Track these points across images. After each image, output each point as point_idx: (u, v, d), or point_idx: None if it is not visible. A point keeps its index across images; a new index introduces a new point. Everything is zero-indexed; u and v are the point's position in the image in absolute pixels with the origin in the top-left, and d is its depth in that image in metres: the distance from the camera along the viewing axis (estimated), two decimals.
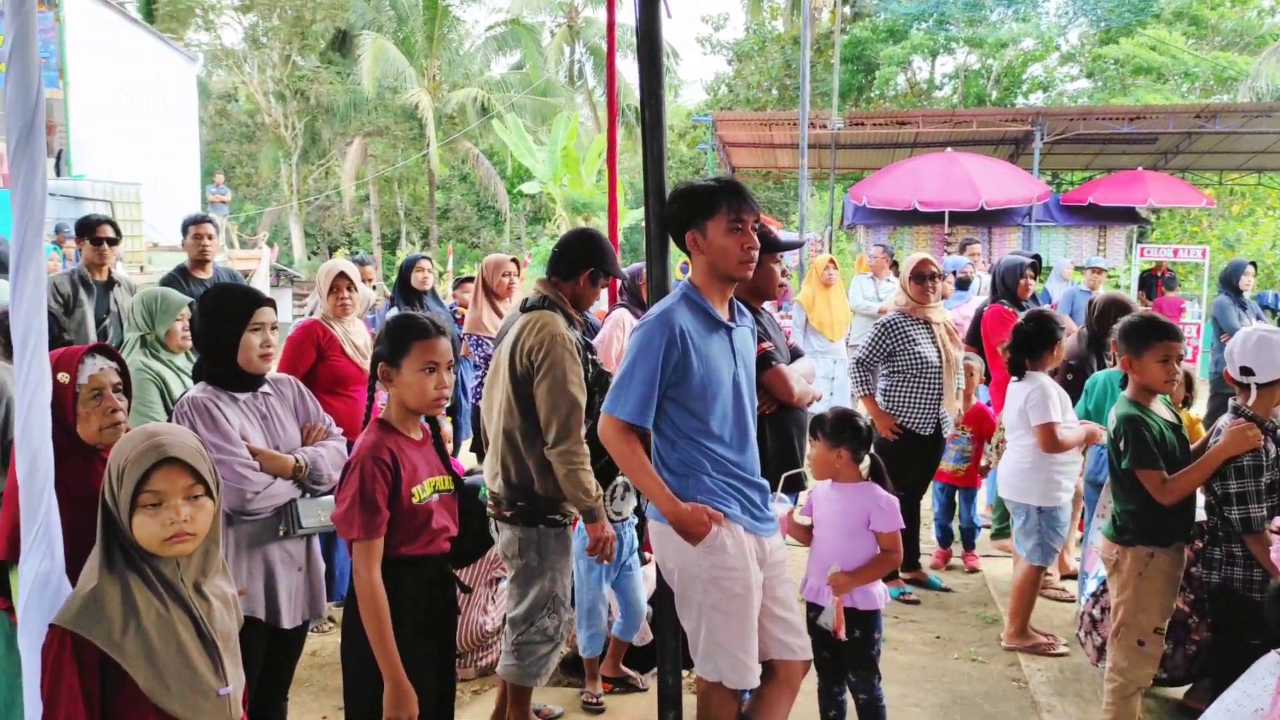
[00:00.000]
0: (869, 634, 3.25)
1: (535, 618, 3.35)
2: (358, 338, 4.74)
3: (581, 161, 24.79)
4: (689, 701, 3.21)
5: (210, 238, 5.61)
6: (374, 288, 10.34)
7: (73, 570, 2.02)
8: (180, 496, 1.86)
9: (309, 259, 30.77)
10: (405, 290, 6.43)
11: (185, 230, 5.61)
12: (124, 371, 2.51)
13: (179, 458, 1.87)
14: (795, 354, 4.01)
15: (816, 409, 3.76)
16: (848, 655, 3.27)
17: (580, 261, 3.43)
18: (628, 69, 24.13)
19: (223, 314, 2.89)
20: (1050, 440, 4.24)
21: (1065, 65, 29.64)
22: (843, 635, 3.18)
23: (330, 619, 4.64)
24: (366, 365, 4.70)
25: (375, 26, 27.41)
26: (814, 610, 3.29)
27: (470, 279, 6.66)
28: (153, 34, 18.94)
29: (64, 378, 2.33)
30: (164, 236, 15.78)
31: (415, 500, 2.51)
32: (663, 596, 2.99)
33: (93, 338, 5.22)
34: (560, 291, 3.41)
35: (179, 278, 5.50)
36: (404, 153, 30.60)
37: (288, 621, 2.88)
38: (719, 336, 2.80)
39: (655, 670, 3.31)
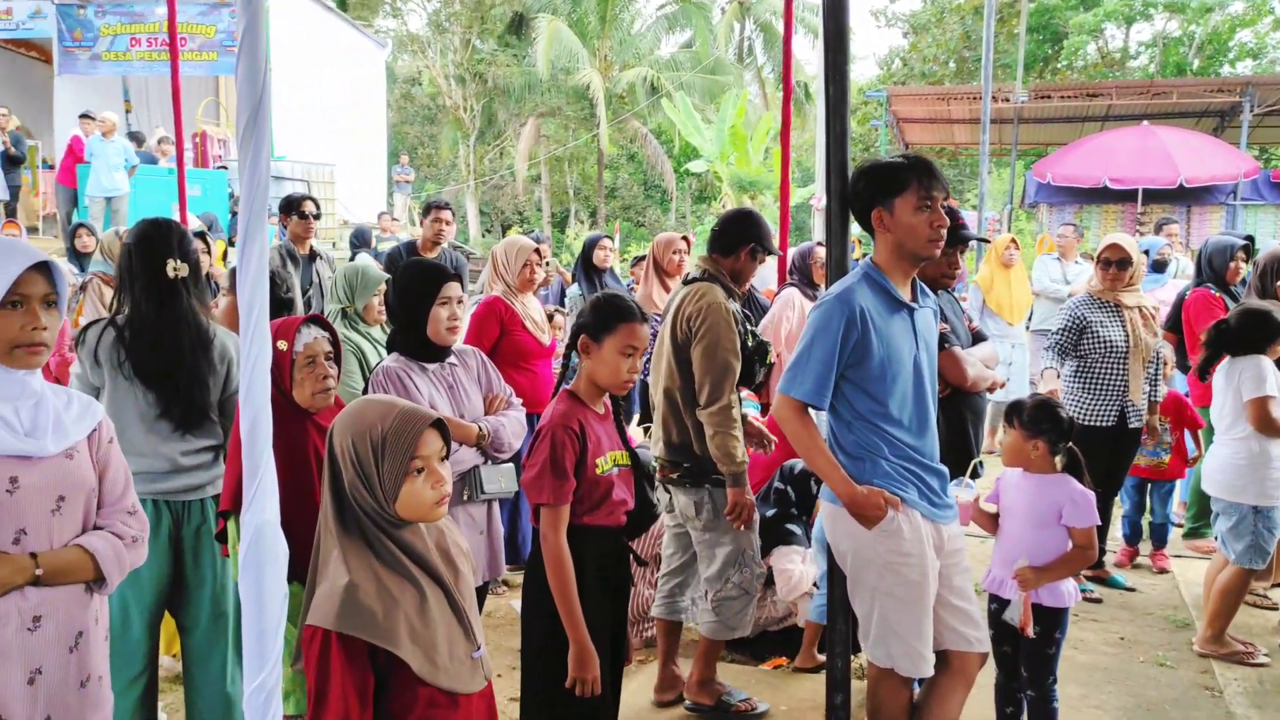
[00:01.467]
0: (1049, 632, 3.11)
1: (728, 574, 3.50)
2: (536, 313, 4.89)
3: (749, 140, 24.58)
4: (857, 686, 3.17)
5: (449, 223, 5.97)
6: (548, 264, 10.63)
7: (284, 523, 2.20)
8: (437, 460, 1.87)
9: (482, 237, 31.85)
10: (587, 268, 6.57)
11: (426, 212, 5.98)
12: (335, 341, 2.68)
13: (438, 421, 1.88)
14: (978, 337, 3.87)
15: (999, 396, 3.62)
16: (1023, 651, 3.15)
17: (739, 238, 3.61)
18: (798, 45, 23.69)
19: (414, 289, 3.05)
20: (1264, 418, 3.92)
21: (1279, 31, 27.14)
22: (1030, 631, 3.06)
23: (504, 582, 4.85)
24: (545, 339, 4.87)
25: (550, 9, 27.97)
26: (995, 602, 3.18)
27: (643, 258, 6.75)
28: (346, 21, 19.99)
29: (282, 345, 2.51)
30: (354, 214, 16.71)
31: (599, 471, 2.58)
32: (833, 579, 2.96)
33: (299, 308, 5.61)
34: (720, 266, 3.60)
35: (404, 255, 5.86)
36: (575, 133, 31.18)
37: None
38: (900, 317, 2.74)
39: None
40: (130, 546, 1.99)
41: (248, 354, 2.16)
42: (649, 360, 3.67)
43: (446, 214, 5.98)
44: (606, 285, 6.51)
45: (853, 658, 3.10)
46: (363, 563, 1.80)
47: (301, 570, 2.12)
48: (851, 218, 2.87)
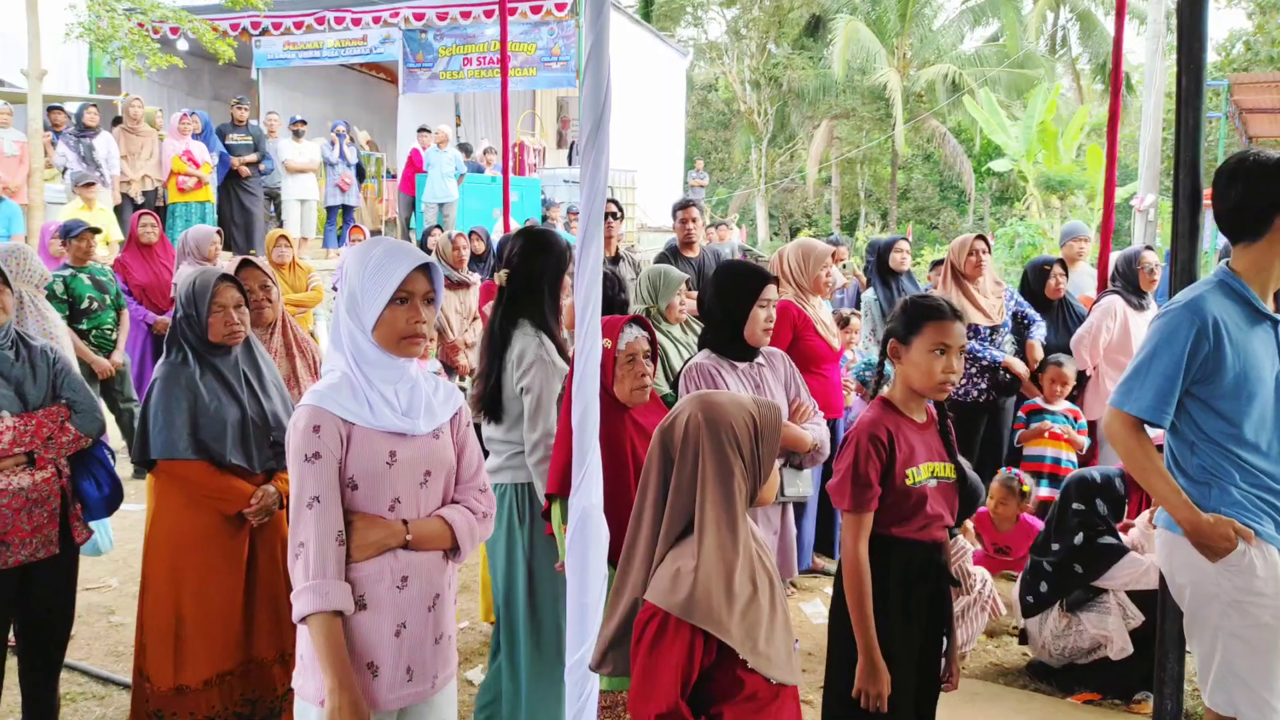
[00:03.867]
0: None
1: None
2: (827, 317, 4.87)
3: (1060, 136, 22.93)
4: None
5: (694, 221, 6.08)
6: (844, 267, 10.51)
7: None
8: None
9: (770, 239, 32.01)
10: (883, 271, 6.45)
11: (675, 214, 6.14)
12: (653, 340, 2.82)
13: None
14: None
15: None
16: None
17: None
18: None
19: (736, 289, 3.13)
20: None
21: None
22: None
23: (792, 584, 4.87)
24: (836, 343, 4.83)
25: (849, 9, 27.60)
26: None
27: (941, 262, 6.51)
28: (651, 32, 20.81)
29: (606, 343, 2.67)
30: (652, 218, 17.36)
31: (909, 482, 2.51)
32: (1165, 613, 2.72)
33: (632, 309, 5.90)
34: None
35: (670, 256, 6.04)
36: (868, 134, 30.56)
37: None
38: (1262, 330, 2.46)
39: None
40: (481, 521, 2.20)
41: (581, 349, 2.32)
42: None
43: (693, 212, 6.05)
44: (903, 289, 6.34)
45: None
46: (718, 550, 1.84)
47: (616, 554, 2.25)
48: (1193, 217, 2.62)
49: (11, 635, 3.16)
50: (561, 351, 3.10)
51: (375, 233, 13.68)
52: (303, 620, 1.97)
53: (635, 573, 1.92)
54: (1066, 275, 5.90)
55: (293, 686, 2.11)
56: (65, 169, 10.16)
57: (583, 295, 2.31)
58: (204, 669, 2.95)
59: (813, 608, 4.68)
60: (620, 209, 6.23)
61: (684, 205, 6.15)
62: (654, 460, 1.93)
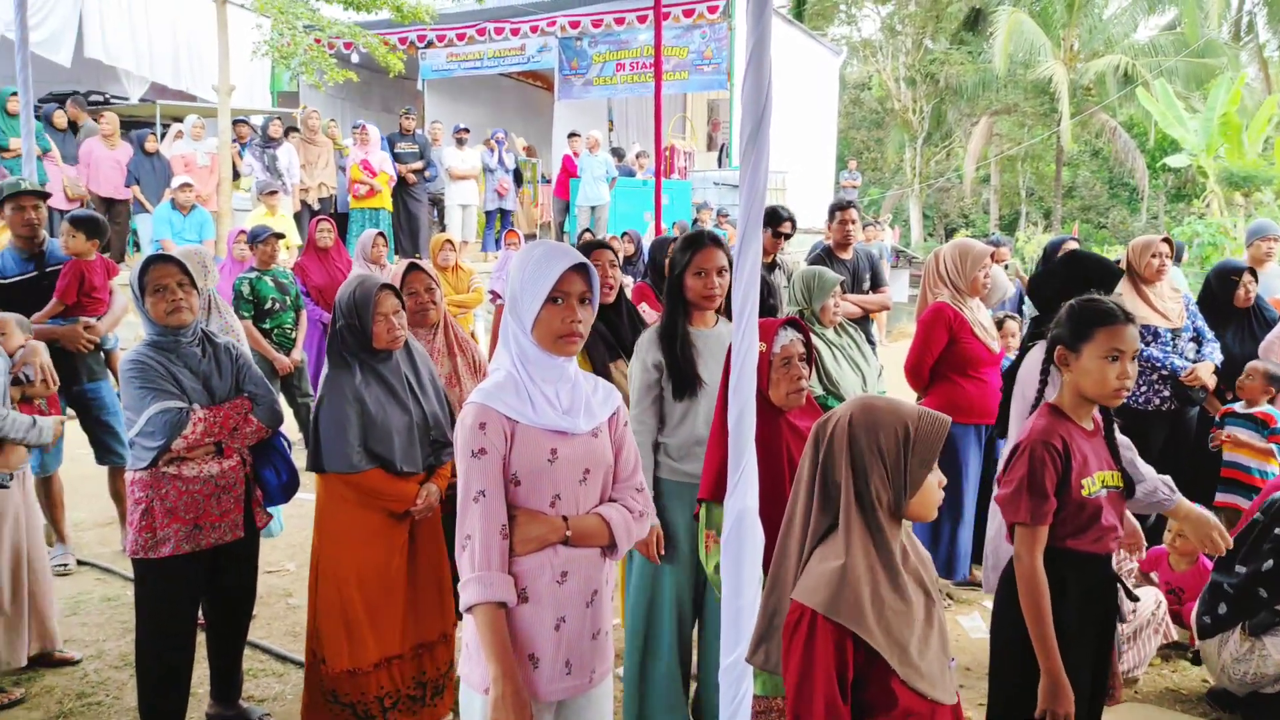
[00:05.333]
0: None
1: None
2: (985, 319, 4.69)
3: (1245, 129, 21.37)
4: None
5: (853, 222, 5.98)
6: (1006, 268, 10.09)
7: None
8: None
9: (924, 240, 31.11)
10: None
11: (832, 214, 6.04)
12: (808, 343, 2.79)
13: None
14: None
15: None
16: None
17: None
18: None
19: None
20: None
21: None
22: None
23: (948, 596, 4.73)
24: (995, 346, 4.65)
25: (1011, 1, 26.53)
26: None
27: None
28: (804, 32, 20.56)
29: (762, 346, 2.65)
30: (803, 220, 17.16)
31: (1085, 493, 2.41)
32: None
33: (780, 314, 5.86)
34: None
35: (824, 257, 5.94)
36: (1031, 130, 29.30)
37: None
38: None
39: None
40: (637, 520, 2.23)
41: (738, 351, 2.32)
42: None
43: (853, 213, 5.89)
44: None
45: None
46: (864, 554, 1.83)
47: (769, 560, 2.23)
48: None
49: (201, 614, 3.42)
50: None
51: (530, 236, 14.06)
52: (469, 610, 2.04)
53: (787, 570, 1.93)
54: (1256, 281, 5.46)
55: (458, 674, 2.19)
56: (251, 177, 10.88)
57: (740, 296, 2.31)
58: (373, 653, 3.11)
59: (971, 621, 4.52)
60: (794, 225, 6.04)
61: (844, 206, 6.04)
62: (807, 458, 1.93)
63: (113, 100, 13.96)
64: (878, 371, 4.48)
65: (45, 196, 4.82)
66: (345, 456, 3.04)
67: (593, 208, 13.03)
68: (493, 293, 8.77)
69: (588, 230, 12.13)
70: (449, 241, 7.85)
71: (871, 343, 5.44)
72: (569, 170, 13.45)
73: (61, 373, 4.02)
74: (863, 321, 5.79)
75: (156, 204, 9.85)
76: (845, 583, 1.78)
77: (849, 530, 1.83)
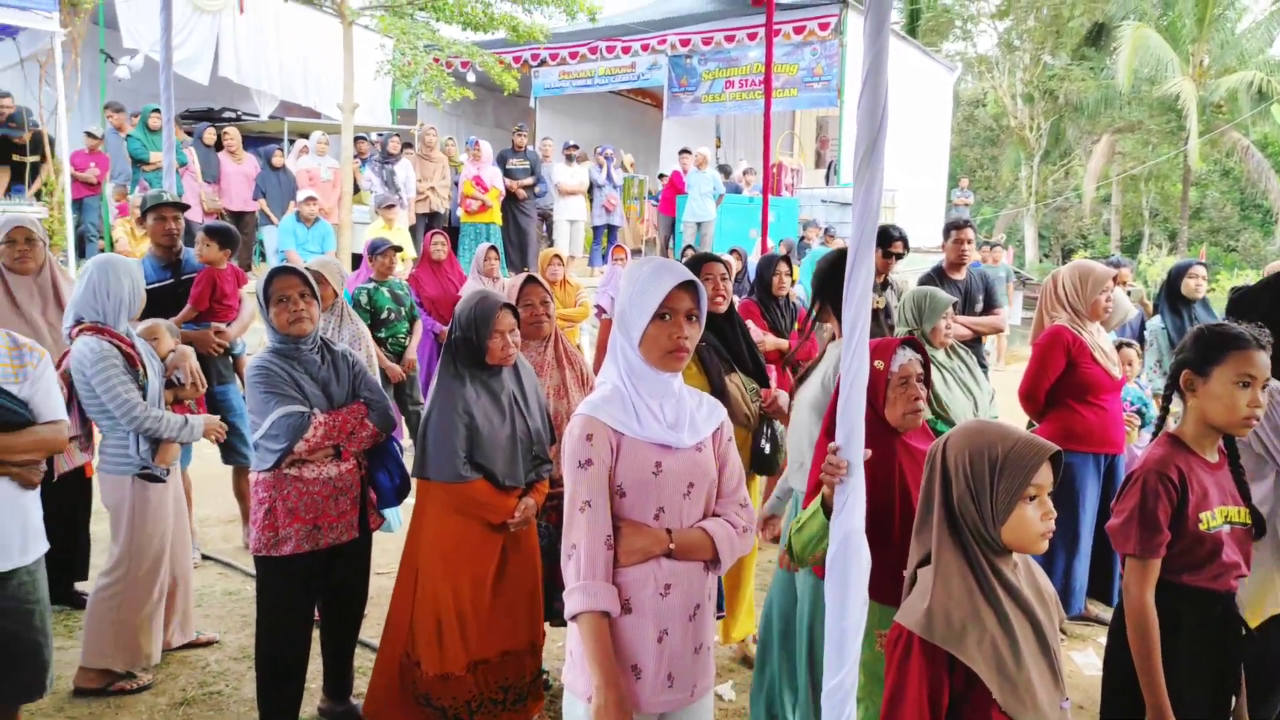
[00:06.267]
0: None
1: None
2: (1105, 343, 4.52)
3: None
4: None
5: (969, 242, 5.84)
6: (1129, 292, 9.71)
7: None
8: (1048, 491, 1.84)
9: (1040, 261, 30.15)
10: (1173, 298, 5.90)
11: (947, 233, 5.92)
12: (926, 364, 2.73)
13: (1056, 454, 1.83)
14: None
15: None
16: None
17: None
18: None
19: None
20: None
21: None
22: None
23: (1061, 630, 4.56)
24: (1116, 372, 4.47)
25: (1138, 15, 25.58)
26: None
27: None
28: (917, 48, 20.22)
29: (879, 365, 2.62)
30: (914, 239, 16.83)
31: (1203, 527, 2.31)
32: None
33: (885, 332, 5.77)
34: None
35: (935, 277, 5.83)
36: (1156, 149, 28.14)
37: None
38: None
39: None
40: (740, 535, 2.23)
41: (848, 368, 2.29)
42: None
43: (969, 232, 5.75)
44: (1196, 318, 5.76)
45: None
46: (959, 577, 1.81)
47: (875, 585, 2.19)
48: None
49: (316, 612, 3.55)
50: None
51: (636, 252, 14.17)
52: (573, 618, 2.07)
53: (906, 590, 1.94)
54: None
55: (562, 681, 2.23)
56: (370, 192, 11.29)
57: (851, 313, 2.28)
58: (463, 658, 3.18)
59: (1085, 658, 4.36)
60: (906, 245, 5.92)
61: (960, 225, 5.92)
62: (924, 478, 1.95)
63: (244, 117, 14.68)
64: (989, 396, 4.36)
65: (184, 208, 5.11)
66: (452, 466, 3.12)
67: (699, 224, 13.07)
68: (598, 307, 8.86)
69: (690, 247, 12.17)
70: (557, 256, 7.97)
71: (984, 366, 5.30)
72: (676, 187, 13.53)
73: None
74: (974, 344, 5.65)
75: (281, 216, 10.30)
76: (944, 606, 1.77)
77: (940, 551, 1.83)
